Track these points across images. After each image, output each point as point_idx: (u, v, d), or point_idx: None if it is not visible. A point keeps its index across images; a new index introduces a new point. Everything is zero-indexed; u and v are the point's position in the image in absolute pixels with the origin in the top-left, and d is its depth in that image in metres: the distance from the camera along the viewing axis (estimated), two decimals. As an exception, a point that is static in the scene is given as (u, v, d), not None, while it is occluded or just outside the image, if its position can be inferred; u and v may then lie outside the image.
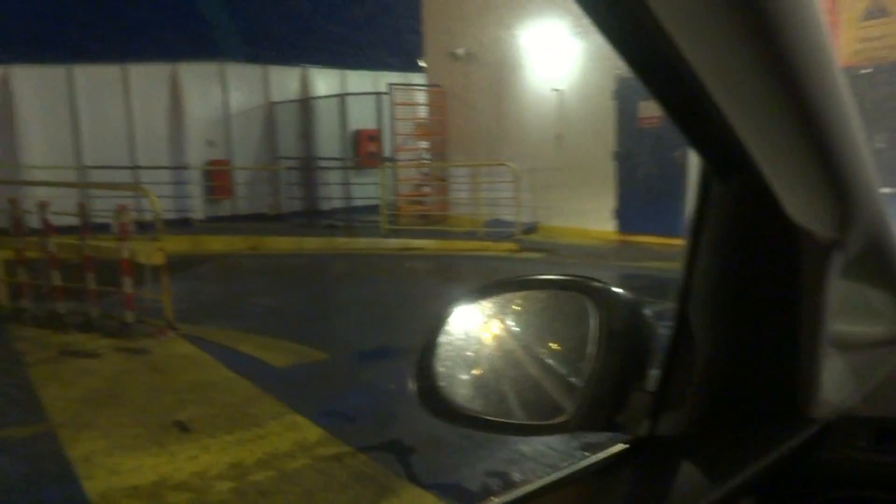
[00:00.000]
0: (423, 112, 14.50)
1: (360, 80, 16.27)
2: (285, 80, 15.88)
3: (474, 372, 0.83)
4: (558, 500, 0.63)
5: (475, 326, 0.82)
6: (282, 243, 12.43)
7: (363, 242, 12.15)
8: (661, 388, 0.69)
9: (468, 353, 0.82)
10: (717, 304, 0.69)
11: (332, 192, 14.63)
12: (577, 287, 0.76)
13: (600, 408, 0.70)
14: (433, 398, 0.76)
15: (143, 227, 13.48)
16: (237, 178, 15.21)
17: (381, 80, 15.34)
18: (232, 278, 10.33)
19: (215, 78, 15.12)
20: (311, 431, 4.16)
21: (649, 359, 0.71)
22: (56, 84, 13.32)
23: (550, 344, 0.82)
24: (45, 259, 6.77)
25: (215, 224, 13.90)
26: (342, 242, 12.25)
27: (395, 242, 11.85)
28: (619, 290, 0.73)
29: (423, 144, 14.55)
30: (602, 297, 0.72)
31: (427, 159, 14.63)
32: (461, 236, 11.79)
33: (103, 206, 13.11)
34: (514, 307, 0.84)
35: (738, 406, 0.69)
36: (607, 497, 0.66)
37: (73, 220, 7.22)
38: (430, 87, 14.32)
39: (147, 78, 14.28)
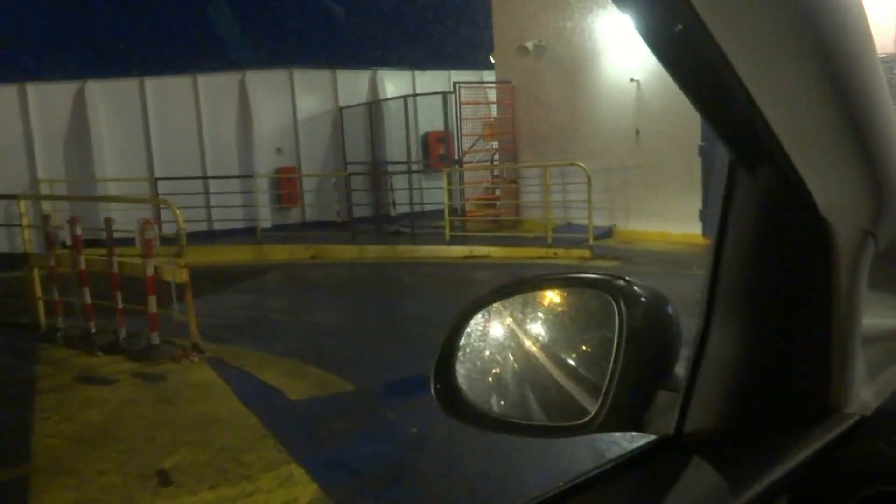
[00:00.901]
0: (491, 111, 13.74)
1: (432, 81, 15.70)
2: (354, 84, 15.53)
3: (494, 373, 0.81)
4: (588, 500, 0.62)
5: (494, 327, 0.81)
6: (343, 252, 12.01)
7: (425, 250, 11.53)
8: (688, 386, 0.67)
9: (488, 355, 0.81)
10: (746, 299, 0.67)
11: (401, 197, 14.11)
12: (598, 285, 0.74)
13: (625, 407, 0.67)
14: (453, 401, 0.76)
15: (196, 238, 13.54)
16: (305, 185, 14.98)
17: (454, 79, 14.70)
18: (284, 291, 9.96)
19: (283, 84, 14.96)
20: (306, 489, 3.51)
21: (674, 356, 0.69)
22: (128, 96, 13.51)
23: (571, 343, 0.80)
24: (76, 276, 6.50)
25: (281, 233, 13.69)
26: (404, 250, 11.68)
27: (458, 250, 11.15)
28: (642, 287, 0.71)
29: (492, 145, 13.77)
30: (624, 295, 0.70)
31: (496, 160, 13.85)
32: (529, 243, 10.95)
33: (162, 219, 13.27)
34: (533, 307, 0.81)
35: (769, 403, 0.67)
36: (635, 497, 0.64)
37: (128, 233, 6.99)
38: (499, 83, 13.53)
39: (216, 87, 14.28)
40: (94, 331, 6.46)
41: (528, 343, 0.81)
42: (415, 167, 14.50)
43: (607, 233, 11.22)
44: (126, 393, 5.17)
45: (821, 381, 0.67)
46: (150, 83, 13.72)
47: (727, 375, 0.67)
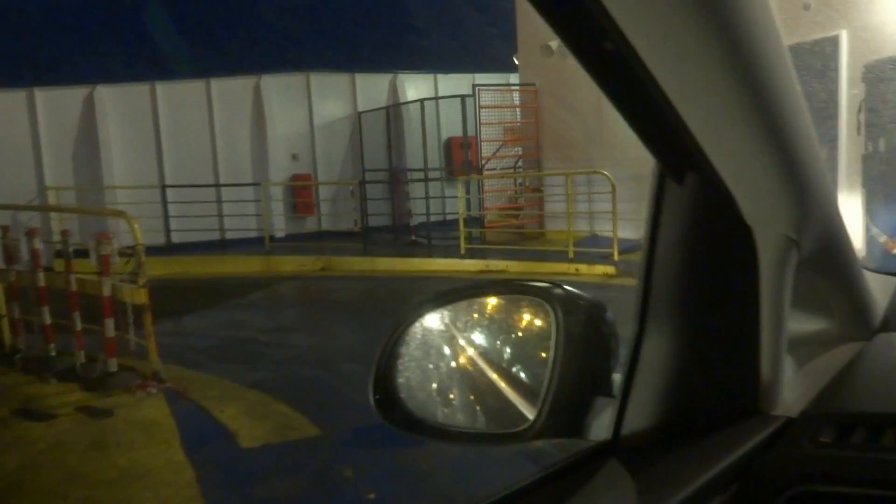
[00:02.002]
0: (516, 115, 12.96)
1: (455, 84, 14.97)
2: (373, 88, 14.93)
3: (436, 381, 0.81)
4: None
5: (434, 335, 0.80)
6: (353, 264, 11.36)
7: (440, 263, 10.80)
8: (624, 392, 0.68)
9: (429, 363, 0.80)
10: (677, 305, 0.68)
11: (421, 206, 13.40)
12: (537, 292, 0.74)
13: (563, 414, 0.68)
14: (393, 409, 0.75)
15: (206, 247, 13.07)
16: (321, 192, 14.41)
17: (478, 82, 13.96)
18: (281, 307, 9.32)
19: (300, 89, 14.44)
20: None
21: (612, 363, 0.70)
22: (139, 102, 13.13)
23: (512, 350, 0.80)
24: (36, 294, 5.94)
25: (292, 243, 13.12)
26: (418, 263, 10.96)
27: (474, 264, 10.39)
28: (579, 293, 0.72)
29: (515, 151, 12.98)
30: (561, 301, 0.71)
31: (519, 167, 13.05)
32: (550, 257, 10.12)
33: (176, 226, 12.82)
34: (473, 314, 0.82)
35: (701, 406, 0.69)
36: None
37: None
38: (522, 86, 12.74)
39: (230, 92, 13.83)
40: (53, 353, 5.89)
41: (468, 350, 0.81)
42: (436, 174, 13.80)
43: (635, 246, 10.31)
44: (61, 432, 4.54)
45: (749, 385, 0.70)
46: (162, 88, 13.32)
47: (661, 380, 0.68)
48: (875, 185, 7.06)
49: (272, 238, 13.21)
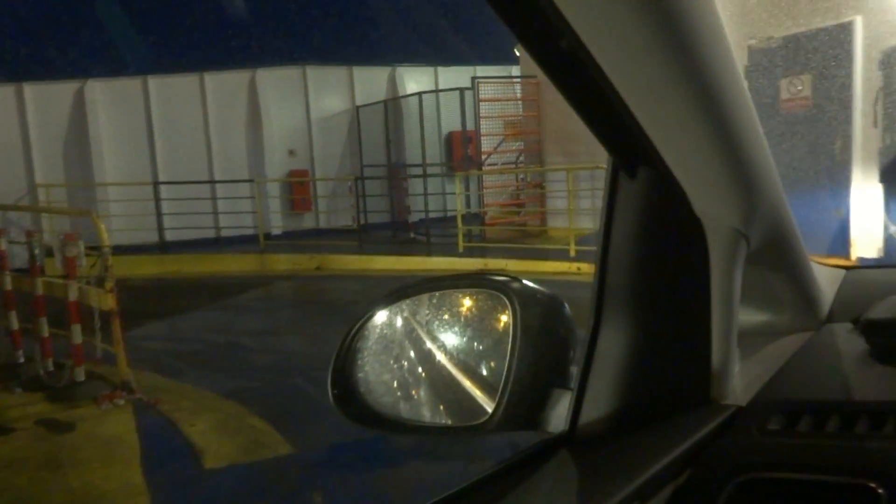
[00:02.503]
0: (516, 108, 12.57)
1: (456, 77, 14.56)
2: (372, 81, 14.57)
3: (395, 375, 0.80)
4: (481, 500, 0.62)
5: (394, 329, 0.80)
6: (349, 262, 11.03)
7: (438, 262, 10.45)
8: (580, 384, 0.69)
9: (387, 357, 0.80)
10: (631, 298, 0.69)
11: (421, 202, 13.04)
12: (493, 285, 0.74)
13: (521, 407, 0.68)
14: (352, 404, 0.75)
15: (200, 246, 12.76)
16: (319, 189, 14.08)
17: (480, 74, 13.57)
18: (271, 309, 8.99)
19: (296, 82, 14.10)
20: None
21: (568, 356, 0.71)
22: (130, 96, 12.82)
23: (471, 344, 0.79)
24: (2, 298, 5.63)
25: (288, 241, 12.80)
26: (415, 262, 10.61)
27: (471, 263, 10.03)
28: (536, 287, 0.72)
29: (517, 145, 12.59)
30: (518, 295, 0.70)
31: (521, 162, 12.67)
32: (551, 255, 9.75)
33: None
34: (431, 307, 0.81)
35: (655, 396, 0.70)
36: (528, 497, 0.64)
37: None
38: (524, 78, 12.34)
39: (224, 86, 13.51)
40: (21, 360, 5.59)
41: (428, 344, 0.80)
42: (436, 170, 13.45)
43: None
44: (16, 449, 4.23)
45: (701, 375, 0.71)
46: (154, 82, 13.01)
47: (616, 371, 0.69)
48: (893, 181, 6.65)
49: (269, 236, 12.91)
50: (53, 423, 4.59)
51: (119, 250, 12.28)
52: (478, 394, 0.73)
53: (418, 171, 13.03)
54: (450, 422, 0.79)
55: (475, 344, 0.78)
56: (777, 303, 0.96)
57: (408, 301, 0.80)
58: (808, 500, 0.61)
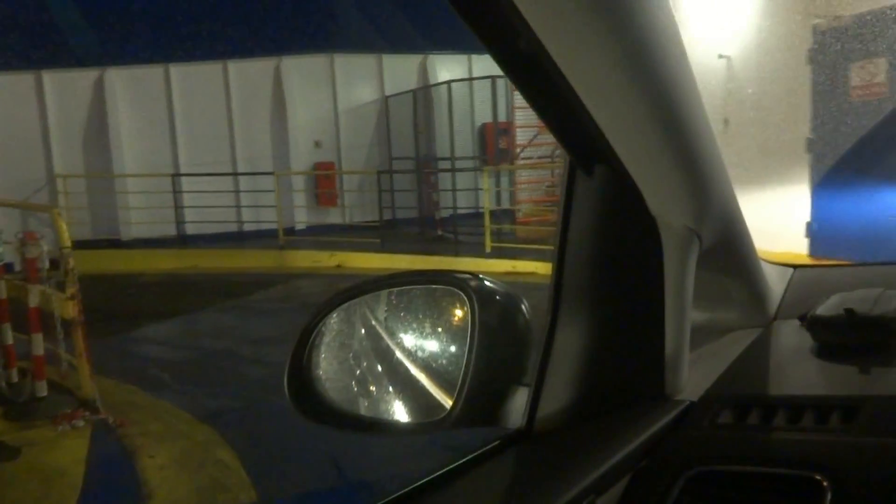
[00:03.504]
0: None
1: (492, 65, 13.47)
2: (402, 70, 13.85)
3: (354, 372, 0.80)
4: (438, 497, 0.62)
5: (351, 326, 0.80)
6: (369, 261, 10.39)
7: (464, 262, 9.72)
8: (537, 380, 0.70)
9: (345, 354, 0.80)
10: (587, 294, 0.71)
11: (451, 197, 12.31)
12: (450, 281, 0.74)
13: (479, 403, 0.68)
14: (307, 401, 0.74)
15: (222, 240, 12.29)
16: (346, 182, 13.47)
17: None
18: (278, 312, 8.38)
19: (323, 71, 13.49)
20: None
21: (526, 352, 0.71)
22: (152, 85, 12.41)
23: (429, 340, 0.79)
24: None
25: (310, 237, 12.22)
26: (439, 262, 9.90)
27: (499, 264, 9.28)
28: (493, 283, 0.72)
29: (552, 139, 11.74)
30: (475, 291, 0.70)
31: (557, 156, 11.83)
32: (585, 258, 8.92)
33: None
34: (389, 304, 0.80)
35: (610, 392, 0.72)
36: (486, 492, 0.65)
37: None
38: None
39: (248, 75, 12.99)
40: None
41: (387, 340, 0.79)
42: (468, 163, 12.71)
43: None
44: (-57, 481, 3.69)
45: (655, 370, 0.72)
46: (176, 71, 12.56)
47: (572, 368, 0.70)
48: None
49: (292, 231, 12.38)
50: (2, 446, 4.05)
51: (138, 244, 12.07)
52: (436, 390, 0.74)
53: (449, 164, 12.32)
54: (408, 419, 0.78)
55: (434, 341, 0.79)
56: (728, 300, 0.98)
57: (366, 297, 0.79)
58: (757, 493, 0.62)
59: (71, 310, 4.32)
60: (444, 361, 0.75)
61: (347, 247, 11.15)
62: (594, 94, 0.56)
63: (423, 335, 0.79)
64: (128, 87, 12.27)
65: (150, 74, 12.44)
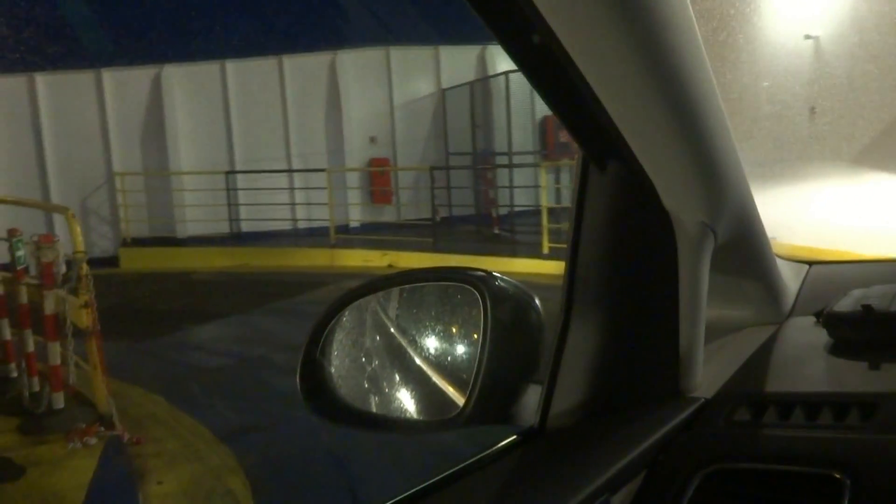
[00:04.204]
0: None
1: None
2: (460, 62, 13.35)
3: (366, 369, 0.79)
4: (451, 495, 0.62)
5: (364, 324, 0.79)
6: (422, 260, 9.96)
7: (521, 264, 9.20)
8: (550, 378, 0.70)
9: (358, 352, 0.79)
10: (600, 291, 0.70)
11: (508, 194, 11.75)
12: (463, 278, 0.73)
13: (492, 401, 0.68)
14: (320, 399, 0.73)
15: (274, 238, 12.11)
16: (401, 179, 13.10)
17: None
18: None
19: (378, 64, 13.14)
20: None
21: (539, 350, 0.70)
22: (208, 81, 12.34)
23: (441, 338, 0.79)
24: None
25: (363, 235, 11.91)
26: (493, 263, 9.38)
27: (556, 266, 8.65)
28: (507, 281, 0.71)
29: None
30: (490, 289, 0.69)
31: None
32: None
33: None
34: (403, 301, 0.80)
35: (624, 390, 0.71)
36: (501, 489, 0.64)
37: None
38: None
39: (303, 69, 12.77)
40: (14, 374, 4.90)
41: (399, 338, 0.79)
42: (528, 158, 12.13)
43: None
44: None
45: (669, 368, 0.72)
46: (232, 66, 12.45)
47: (586, 365, 0.69)
48: None
49: (346, 228, 12.11)
50: (6, 463, 3.80)
51: (192, 241, 12.04)
52: (448, 388, 0.73)
53: (507, 159, 11.77)
54: (420, 416, 0.78)
55: (446, 338, 0.78)
56: (742, 296, 0.96)
57: (378, 295, 0.79)
58: (773, 490, 0.62)
59: (85, 318, 4.04)
60: (457, 359, 0.75)
61: (400, 246, 10.78)
62: (608, 88, 0.56)
63: (435, 333, 0.79)
64: (184, 83, 12.24)
65: (207, 71, 12.37)
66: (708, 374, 0.75)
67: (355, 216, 12.72)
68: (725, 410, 0.70)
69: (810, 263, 1.17)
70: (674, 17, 0.53)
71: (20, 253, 4.37)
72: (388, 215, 13.11)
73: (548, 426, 0.68)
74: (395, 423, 0.77)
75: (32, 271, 4.33)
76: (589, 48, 0.51)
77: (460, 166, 12.67)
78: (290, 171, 12.26)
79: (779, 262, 0.98)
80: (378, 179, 13.11)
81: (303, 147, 12.81)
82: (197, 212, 11.88)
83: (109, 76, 11.89)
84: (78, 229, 4.07)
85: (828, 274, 1.16)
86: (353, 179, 12.89)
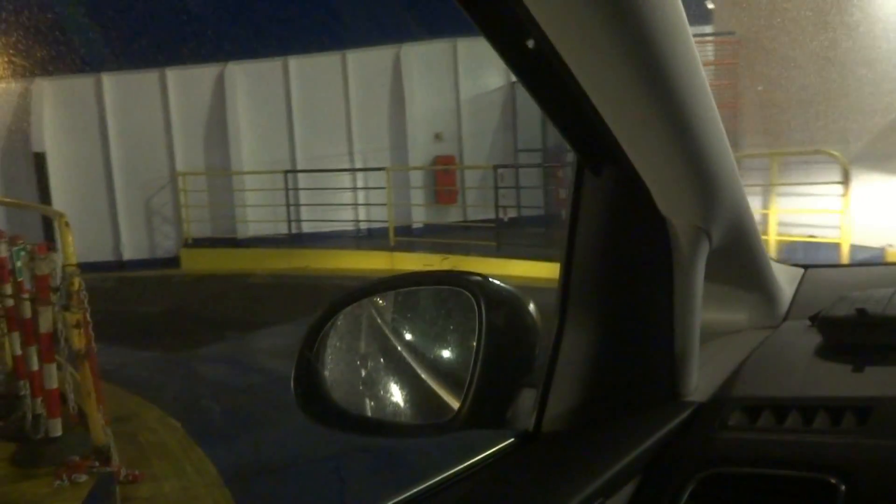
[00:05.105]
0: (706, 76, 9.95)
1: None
2: (531, 54, 12.57)
3: (360, 374, 0.79)
4: (446, 498, 0.62)
5: (358, 327, 0.79)
6: (483, 266, 9.26)
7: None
8: (546, 382, 0.69)
9: (352, 355, 0.79)
10: (595, 295, 0.70)
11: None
12: (457, 282, 0.73)
13: (487, 405, 0.68)
14: (315, 403, 0.73)
15: (337, 239, 11.69)
16: (467, 178, 12.45)
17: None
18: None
19: (445, 58, 12.52)
20: None
21: (534, 353, 0.71)
22: (270, 79, 12.06)
23: (437, 341, 0.79)
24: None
25: (425, 237, 11.34)
26: (557, 269, 8.58)
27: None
28: (501, 285, 0.71)
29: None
30: (483, 292, 0.70)
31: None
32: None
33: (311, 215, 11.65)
34: (397, 305, 0.80)
35: (620, 394, 0.71)
36: (494, 493, 0.64)
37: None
38: (716, 36, 9.69)
39: (367, 64, 12.31)
40: (23, 393, 4.55)
41: (393, 342, 0.78)
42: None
43: (876, 257, 7.07)
44: None
45: (664, 372, 0.72)
46: (295, 63, 12.13)
47: (581, 369, 0.69)
48: None
49: (409, 230, 11.58)
50: (-16, 503, 3.40)
51: (252, 242, 11.80)
52: (443, 392, 0.72)
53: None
54: (415, 420, 0.78)
55: (441, 342, 0.78)
56: (737, 300, 0.96)
57: (373, 299, 0.79)
58: (768, 495, 0.62)
59: (77, 340, 3.58)
60: (452, 363, 0.74)
61: (462, 249, 10.13)
62: (602, 93, 0.56)
63: (430, 336, 0.79)
64: (247, 81, 12.01)
65: (270, 68, 12.10)
66: (703, 378, 0.75)
67: (418, 217, 12.16)
68: (720, 414, 0.69)
69: (806, 267, 1.17)
70: (668, 22, 0.53)
71: (20, 264, 3.99)
72: (453, 216, 12.49)
73: (543, 430, 0.68)
74: (389, 427, 0.78)
75: (27, 284, 3.92)
76: (583, 53, 0.52)
77: (526, 164, 11.93)
78: (346, 170, 11.86)
79: (774, 265, 0.98)
80: (443, 178, 12.50)
81: (366, 144, 12.36)
82: (257, 212, 11.64)
83: (174, 75, 11.80)
84: (70, 238, 3.61)
85: (823, 278, 1.15)
86: (418, 178, 12.34)
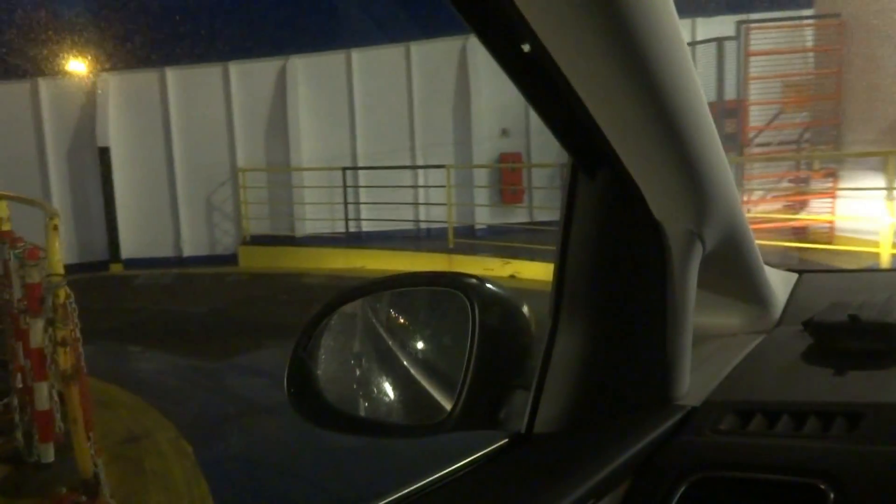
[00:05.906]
0: (805, 63, 8.89)
1: (720, 30, 11.02)
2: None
3: (353, 374, 0.80)
4: (437, 499, 0.62)
5: (352, 327, 0.79)
6: (546, 271, 8.54)
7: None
8: (538, 384, 0.69)
9: (346, 355, 0.79)
10: (589, 297, 0.70)
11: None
12: (451, 283, 0.73)
13: (479, 406, 0.68)
14: (308, 403, 0.73)
15: (396, 238, 11.22)
16: (534, 177, 11.73)
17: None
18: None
19: (513, 49, 11.82)
20: None
21: (528, 355, 0.71)
22: (332, 73, 11.71)
23: (431, 342, 0.79)
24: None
25: (488, 239, 10.70)
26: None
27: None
28: (495, 287, 0.72)
29: (800, 118, 8.91)
30: (477, 294, 0.70)
31: (806, 143, 8.96)
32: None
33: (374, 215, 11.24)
34: (392, 306, 0.81)
35: (612, 397, 0.71)
36: (485, 495, 0.64)
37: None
38: (818, 19, 8.60)
39: (432, 57, 11.78)
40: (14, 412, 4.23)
41: (387, 342, 0.79)
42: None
43: None
44: None
45: (656, 375, 0.71)
46: (358, 55, 11.73)
47: (573, 372, 0.69)
48: None
49: (471, 231, 11.00)
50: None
51: (309, 241, 11.50)
52: (436, 392, 0.73)
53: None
54: (408, 421, 0.79)
55: (434, 343, 0.79)
56: (730, 304, 0.96)
57: (367, 299, 0.79)
58: (758, 499, 0.62)
59: (63, 359, 3.18)
60: (445, 363, 0.74)
61: (526, 253, 9.45)
62: (596, 96, 0.57)
63: (423, 337, 0.80)
64: (309, 75, 11.71)
65: (332, 61, 11.75)
66: (695, 381, 0.75)
67: (482, 217, 11.55)
68: (712, 418, 0.69)
69: (800, 272, 1.17)
70: (661, 26, 0.54)
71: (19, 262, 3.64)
72: (518, 216, 11.80)
73: (534, 431, 0.69)
74: (382, 428, 0.78)
75: (17, 293, 3.56)
76: (578, 58, 0.53)
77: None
78: (404, 167, 11.35)
79: (768, 270, 0.98)
80: (508, 177, 11.82)
81: (429, 140, 11.83)
82: (315, 210, 11.33)
83: (236, 69, 11.63)
84: (57, 244, 3.18)
85: (817, 283, 1.15)
86: (482, 177, 11.72)
